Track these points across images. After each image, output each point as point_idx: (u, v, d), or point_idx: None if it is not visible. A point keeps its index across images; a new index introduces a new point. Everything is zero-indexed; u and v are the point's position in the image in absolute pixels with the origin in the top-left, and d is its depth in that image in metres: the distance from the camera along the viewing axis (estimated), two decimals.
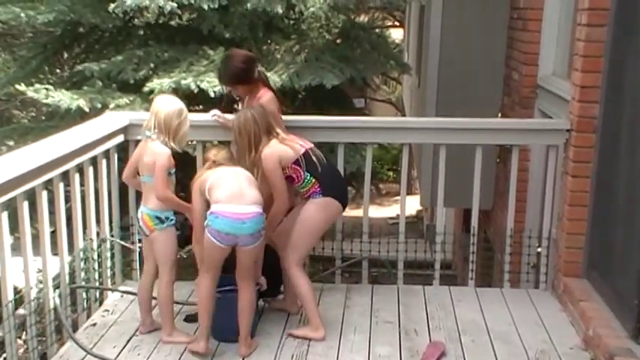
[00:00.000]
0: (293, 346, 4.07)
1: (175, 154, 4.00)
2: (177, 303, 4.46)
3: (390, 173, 18.83)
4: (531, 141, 5.27)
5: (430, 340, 4.18)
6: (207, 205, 3.84)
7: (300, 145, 4.13)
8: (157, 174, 3.87)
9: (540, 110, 6.03)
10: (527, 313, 4.55)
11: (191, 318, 4.34)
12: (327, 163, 4.22)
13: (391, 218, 14.53)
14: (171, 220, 4.01)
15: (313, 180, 4.09)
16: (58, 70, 8.74)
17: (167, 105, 3.98)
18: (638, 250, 3.74)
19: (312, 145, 4.20)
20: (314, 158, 4.11)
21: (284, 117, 4.79)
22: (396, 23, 18.58)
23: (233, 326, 3.94)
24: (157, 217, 3.96)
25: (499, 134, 4.93)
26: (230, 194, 3.76)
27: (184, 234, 4.51)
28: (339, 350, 4.04)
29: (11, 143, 7.75)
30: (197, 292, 3.89)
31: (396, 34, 19.38)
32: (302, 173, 4.08)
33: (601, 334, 3.86)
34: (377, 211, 16.10)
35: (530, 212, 5.93)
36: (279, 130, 4.11)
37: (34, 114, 9.47)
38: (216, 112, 4.66)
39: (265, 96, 4.34)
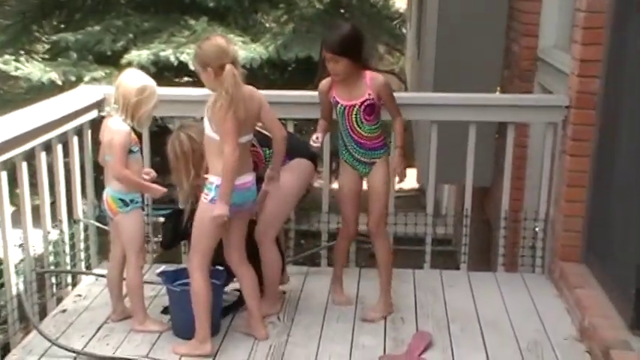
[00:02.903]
0: (271, 335, 3.86)
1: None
2: (154, 284, 4.25)
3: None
4: (528, 118, 5.01)
5: (417, 329, 3.96)
6: None
7: None
8: (114, 152, 3.63)
9: (541, 84, 5.76)
10: (520, 300, 4.33)
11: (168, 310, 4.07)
12: None
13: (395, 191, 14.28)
14: (137, 202, 3.78)
15: (272, 151, 3.89)
16: (41, 40, 8.44)
17: (129, 79, 3.71)
18: (638, 235, 3.51)
19: None
20: (261, 130, 3.90)
21: (271, 92, 4.55)
22: None
23: (215, 321, 3.77)
24: (121, 200, 3.72)
25: (493, 110, 4.68)
26: (238, 167, 3.47)
27: (177, 229, 4.02)
28: (320, 340, 3.83)
29: None
30: (193, 292, 3.58)
31: (401, 4, 18.97)
32: (260, 151, 3.92)
33: (597, 325, 3.65)
34: None
35: (530, 191, 5.69)
36: None
37: (24, 85, 9.19)
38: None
39: (378, 77, 3.86)
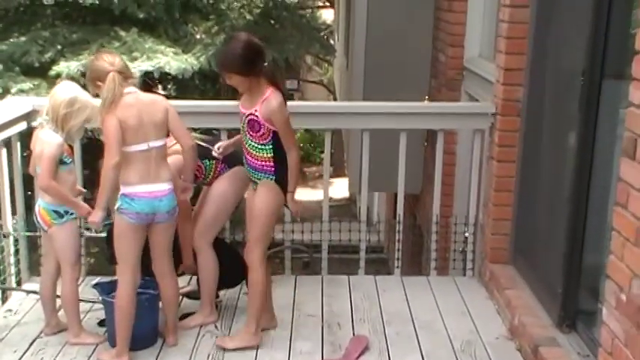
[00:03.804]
0: (209, 344, 3.86)
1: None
2: (88, 301, 4.20)
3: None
4: (456, 125, 5.16)
5: (354, 333, 4.02)
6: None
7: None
8: (43, 163, 3.58)
9: (467, 93, 5.93)
10: (453, 302, 4.44)
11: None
12: (214, 137, 4.14)
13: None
14: (72, 213, 3.73)
15: (213, 162, 3.98)
16: None
17: (61, 91, 3.66)
18: (563, 237, 3.66)
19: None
20: (200, 143, 3.96)
21: (203, 103, 4.57)
22: (327, 4, 18.37)
23: (152, 332, 3.80)
24: (55, 211, 3.67)
25: (423, 118, 4.80)
26: (143, 175, 3.50)
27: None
28: (258, 347, 3.83)
29: None
30: (116, 302, 3.60)
31: (328, 15, 19.18)
32: (200, 163, 3.95)
33: (526, 324, 3.78)
34: (310, 194, 15.99)
35: (459, 197, 5.84)
36: None
37: None
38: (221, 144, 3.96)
39: (274, 99, 3.57)
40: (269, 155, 3.65)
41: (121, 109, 3.43)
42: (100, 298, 3.90)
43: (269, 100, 3.56)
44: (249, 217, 3.82)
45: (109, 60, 3.49)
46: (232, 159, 4.01)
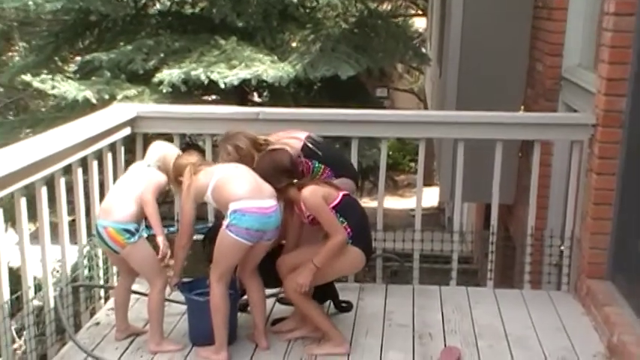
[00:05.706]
0: (300, 350, 3.91)
1: None
2: (179, 303, 4.30)
3: (412, 164, 18.61)
4: (554, 136, 5.04)
5: (445, 344, 4.00)
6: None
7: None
8: (152, 182, 3.80)
9: (565, 103, 5.80)
10: (547, 317, 4.35)
11: None
12: (324, 141, 4.16)
13: (412, 210, 14.30)
14: (142, 229, 3.81)
15: (322, 166, 4.00)
16: (70, 60, 8.62)
17: (183, 157, 3.92)
18: None
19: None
20: (310, 146, 4.01)
21: (298, 110, 4.62)
22: (420, 12, 18.30)
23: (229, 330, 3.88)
24: (126, 230, 3.72)
25: (520, 129, 4.73)
26: (250, 189, 3.63)
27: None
28: (348, 355, 3.86)
29: (28, 131, 7.62)
30: (212, 303, 3.71)
31: (420, 23, 19.10)
32: (310, 163, 4.00)
33: (625, 342, 3.67)
34: (399, 203, 15.93)
35: (553, 209, 5.71)
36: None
37: (51, 103, 9.34)
38: None
39: (304, 199, 3.76)
40: (345, 224, 3.76)
41: (202, 175, 3.74)
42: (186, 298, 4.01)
43: (303, 202, 3.76)
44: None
45: (185, 156, 3.90)
46: (339, 166, 4.08)
